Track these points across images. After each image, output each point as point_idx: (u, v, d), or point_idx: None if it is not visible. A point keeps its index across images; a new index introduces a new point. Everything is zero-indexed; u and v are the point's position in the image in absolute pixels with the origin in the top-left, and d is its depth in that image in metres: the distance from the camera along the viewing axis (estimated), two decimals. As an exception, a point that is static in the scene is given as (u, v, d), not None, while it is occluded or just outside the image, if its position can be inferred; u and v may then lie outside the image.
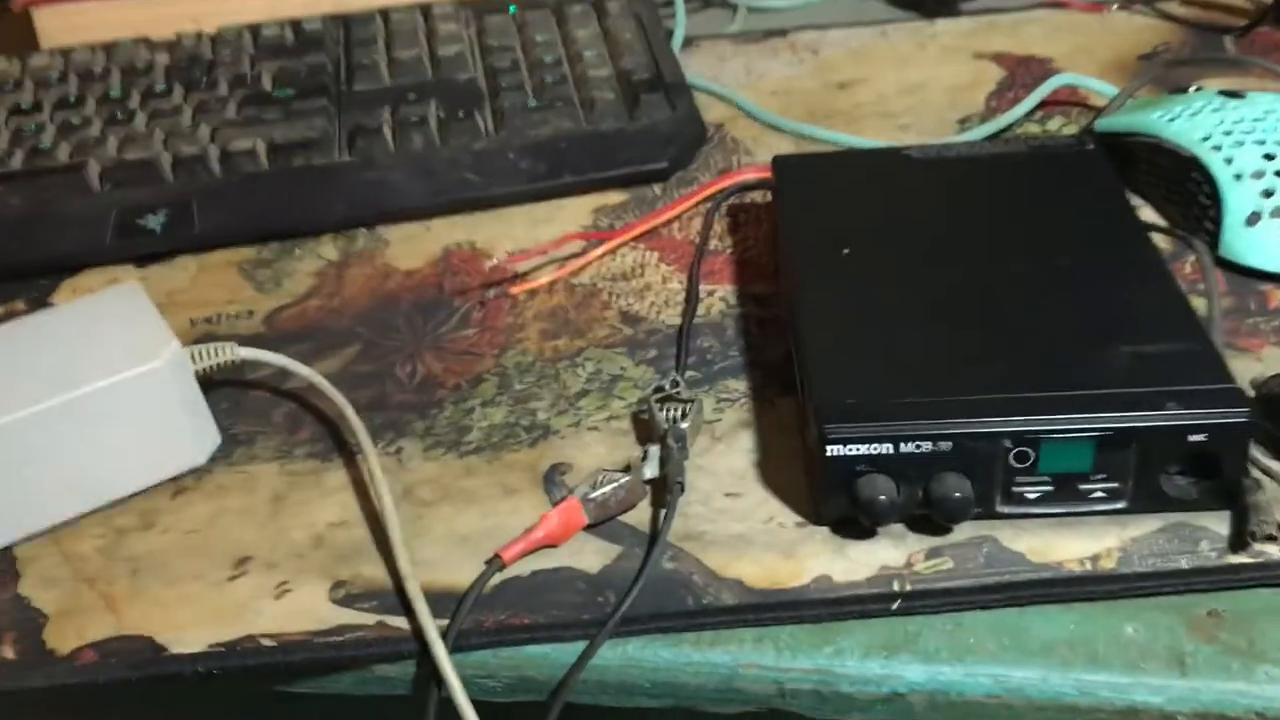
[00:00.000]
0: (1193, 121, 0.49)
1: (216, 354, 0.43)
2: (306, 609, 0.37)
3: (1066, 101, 0.59)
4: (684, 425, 0.40)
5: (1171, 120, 0.49)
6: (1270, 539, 0.36)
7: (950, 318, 0.40)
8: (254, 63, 0.62)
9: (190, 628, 0.37)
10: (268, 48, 0.63)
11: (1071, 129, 0.56)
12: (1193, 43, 0.62)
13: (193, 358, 0.42)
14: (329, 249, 0.54)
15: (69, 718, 0.43)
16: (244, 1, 0.69)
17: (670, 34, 0.66)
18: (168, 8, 0.69)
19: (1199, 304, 0.42)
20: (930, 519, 0.37)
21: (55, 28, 0.69)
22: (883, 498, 0.36)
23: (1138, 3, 0.67)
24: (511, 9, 0.65)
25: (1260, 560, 0.36)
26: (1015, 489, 0.37)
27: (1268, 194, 0.46)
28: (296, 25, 0.65)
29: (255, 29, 0.65)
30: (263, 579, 0.38)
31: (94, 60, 0.63)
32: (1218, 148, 0.47)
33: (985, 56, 0.63)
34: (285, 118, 0.58)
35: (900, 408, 0.37)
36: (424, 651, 0.36)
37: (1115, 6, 0.67)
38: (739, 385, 0.44)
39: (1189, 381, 0.36)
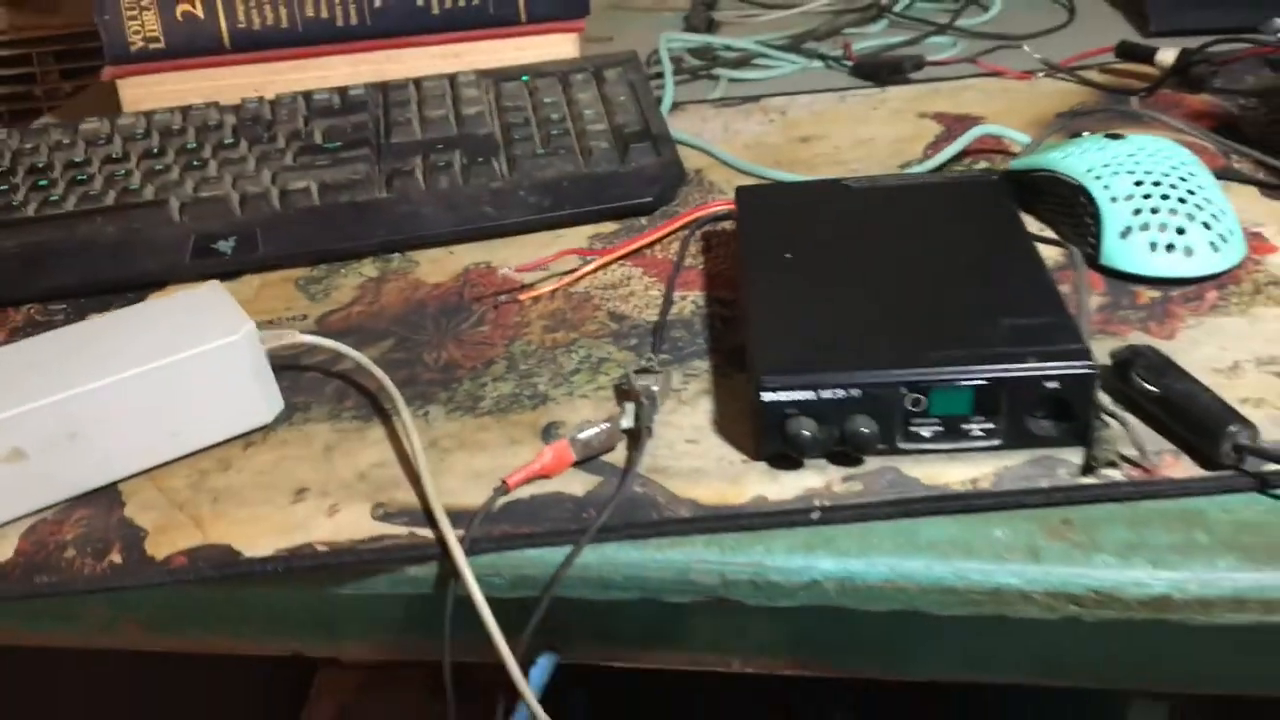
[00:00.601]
0: (1081, 158, 0.59)
1: (281, 337, 0.53)
2: (353, 524, 0.47)
3: (992, 149, 0.69)
4: (654, 387, 0.50)
5: (1065, 157, 0.60)
6: (1111, 465, 0.45)
7: (866, 301, 0.50)
8: (307, 122, 0.74)
9: (261, 539, 0.47)
10: (319, 110, 0.75)
11: (991, 170, 0.67)
12: (1104, 102, 0.73)
13: (263, 338, 0.53)
14: (369, 268, 0.65)
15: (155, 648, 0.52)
16: (299, 74, 0.81)
17: (660, 99, 0.78)
18: (233, 79, 0.81)
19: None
20: (846, 453, 0.47)
21: (137, 95, 0.81)
22: (806, 434, 0.46)
23: (1062, 71, 0.78)
24: (524, 78, 0.77)
25: (1104, 481, 0.45)
26: (912, 428, 0.47)
27: (1136, 212, 0.56)
28: (343, 92, 0.76)
29: (308, 95, 0.76)
30: (318, 503, 0.48)
31: (172, 120, 0.74)
32: (1099, 177, 0.57)
33: (927, 116, 0.74)
34: (334, 164, 0.69)
35: (821, 364, 0.46)
36: (445, 554, 0.45)
37: (1042, 74, 0.78)
38: (702, 364, 0.54)
39: (1048, 344, 0.46)
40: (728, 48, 0.87)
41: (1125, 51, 0.77)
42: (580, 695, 1.18)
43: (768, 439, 0.47)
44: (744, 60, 0.86)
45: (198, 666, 1.02)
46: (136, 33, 0.79)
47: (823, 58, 0.85)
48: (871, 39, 0.88)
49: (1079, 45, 0.81)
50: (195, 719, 1.15)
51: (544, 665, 0.49)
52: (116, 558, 0.47)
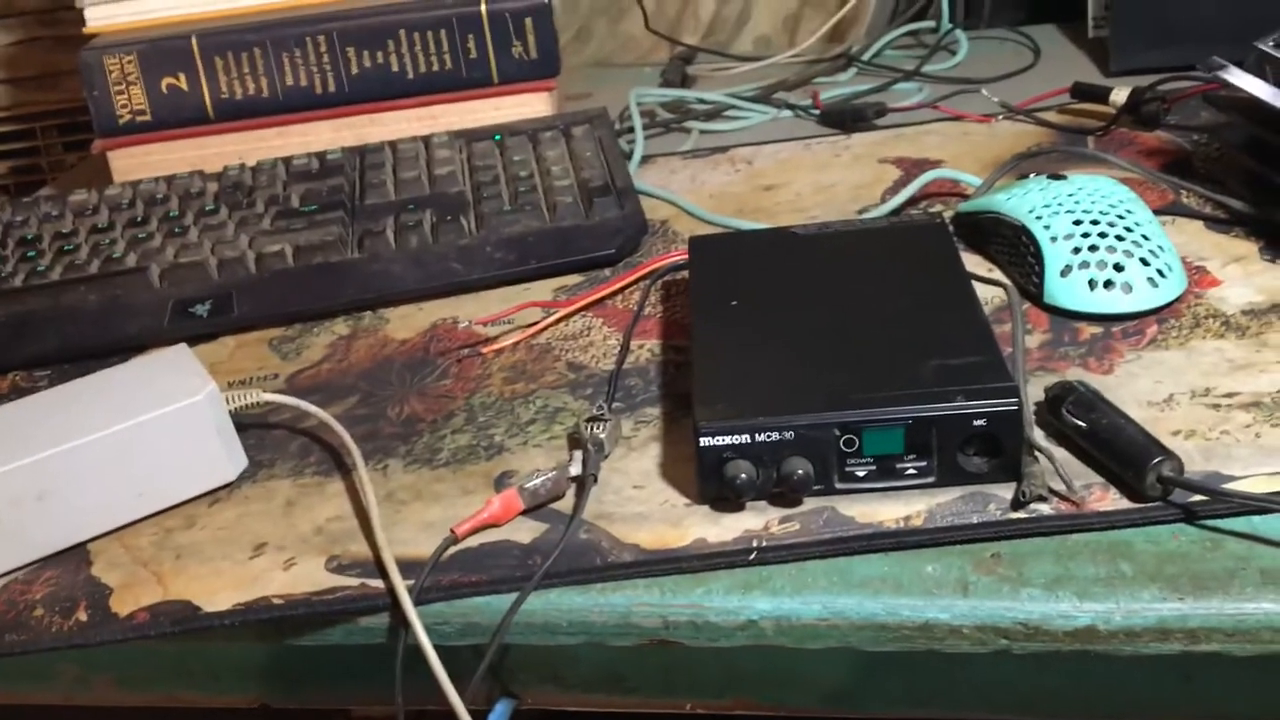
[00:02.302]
0: (1024, 199, 0.60)
1: (245, 396, 0.55)
2: (308, 576, 0.49)
3: (948, 193, 0.71)
4: (602, 435, 0.52)
5: (1009, 199, 0.61)
6: (1040, 499, 0.46)
7: (806, 346, 0.52)
8: (285, 186, 0.76)
9: (220, 593, 0.48)
10: (297, 174, 0.77)
11: (948, 213, 0.68)
12: (1059, 142, 0.75)
13: (227, 398, 0.55)
14: (341, 326, 0.67)
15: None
16: (283, 139, 0.84)
17: (627, 153, 0.80)
18: (219, 147, 0.84)
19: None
20: (784, 495, 0.48)
21: (127, 165, 0.84)
22: (744, 476, 0.47)
23: (1020, 113, 0.79)
24: (496, 137, 0.79)
25: (1033, 515, 0.46)
26: (847, 468, 0.48)
27: (1075, 250, 0.57)
28: (321, 156, 0.79)
29: (288, 160, 0.79)
30: (275, 557, 0.50)
31: (157, 189, 0.77)
32: (1039, 217, 0.59)
33: (888, 161, 0.76)
34: (309, 226, 0.71)
35: (756, 408, 0.48)
36: (395, 604, 0.47)
37: (1001, 117, 0.79)
38: (654, 411, 0.55)
39: (977, 382, 0.47)
40: (700, 100, 0.89)
41: (1081, 92, 0.79)
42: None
43: (708, 482, 0.48)
44: (716, 112, 0.88)
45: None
46: (124, 106, 0.82)
47: (792, 107, 0.87)
48: (840, 88, 0.89)
49: (1044, 87, 0.82)
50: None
51: (501, 711, 0.51)
52: (83, 615, 0.49)
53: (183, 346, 0.56)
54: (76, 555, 0.52)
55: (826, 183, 0.74)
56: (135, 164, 0.84)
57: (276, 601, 0.48)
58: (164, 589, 0.49)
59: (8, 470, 0.49)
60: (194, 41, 0.81)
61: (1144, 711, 0.46)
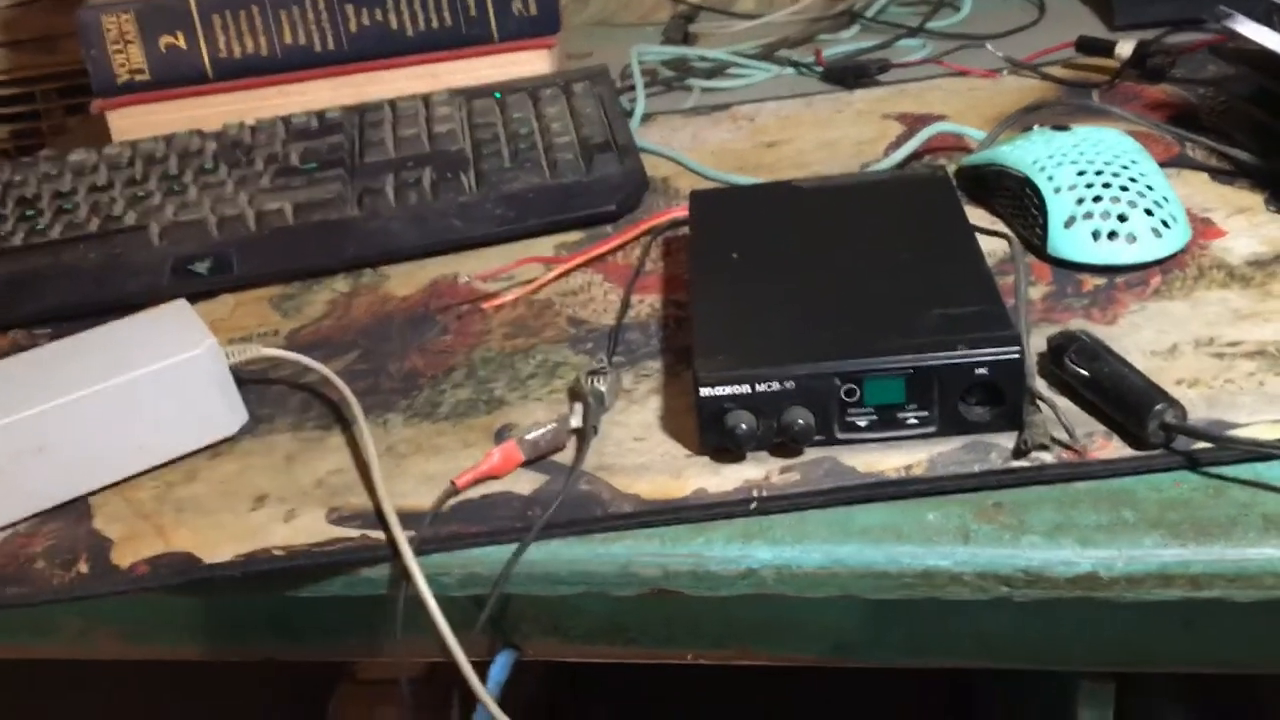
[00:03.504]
0: (1028, 150, 0.60)
1: (245, 351, 0.55)
2: (308, 528, 0.49)
3: (952, 147, 0.70)
4: (602, 388, 0.52)
5: (1013, 150, 0.61)
6: (1042, 448, 0.46)
7: (807, 298, 0.51)
8: (285, 144, 0.76)
9: (221, 545, 0.48)
10: (297, 132, 0.77)
11: (952, 167, 0.68)
12: (1064, 96, 0.74)
13: (226, 353, 0.54)
14: (341, 284, 0.66)
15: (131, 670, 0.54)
16: (282, 99, 0.83)
17: (629, 110, 0.79)
18: (218, 107, 0.83)
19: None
20: (785, 445, 0.48)
21: (126, 125, 0.83)
22: (744, 427, 0.47)
23: (1025, 68, 0.79)
24: (496, 94, 0.78)
25: (1035, 464, 0.46)
26: (848, 418, 0.48)
27: (1079, 202, 0.57)
28: (321, 115, 0.78)
29: (287, 119, 0.78)
30: (276, 509, 0.50)
31: (156, 148, 0.77)
32: (1043, 169, 0.58)
33: (891, 117, 0.75)
34: (308, 184, 0.71)
35: (757, 358, 0.48)
36: (395, 555, 0.47)
37: (1006, 71, 0.79)
38: (654, 364, 0.55)
39: (979, 331, 0.47)
40: (702, 58, 0.88)
41: (1085, 46, 0.78)
42: (602, 710, 1.20)
43: (708, 433, 0.48)
44: (718, 70, 0.87)
45: (214, 683, 1.05)
46: (122, 66, 0.82)
47: (794, 65, 0.86)
48: (843, 44, 0.89)
49: (1049, 42, 0.81)
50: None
51: (503, 661, 0.51)
52: (83, 567, 0.49)
53: (182, 302, 0.56)
54: (78, 508, 0.52)
55: (829, 139, 0.74)
56: (134, 124, 0.83)
57: (277, 553, 0.48)
58: (165, 541, 0.49)
59: (7, 423, 0.49)
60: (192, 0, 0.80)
61: (1146, 658, 0.46)
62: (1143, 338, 0.51)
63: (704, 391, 0.47)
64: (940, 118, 0.73)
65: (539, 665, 0.53)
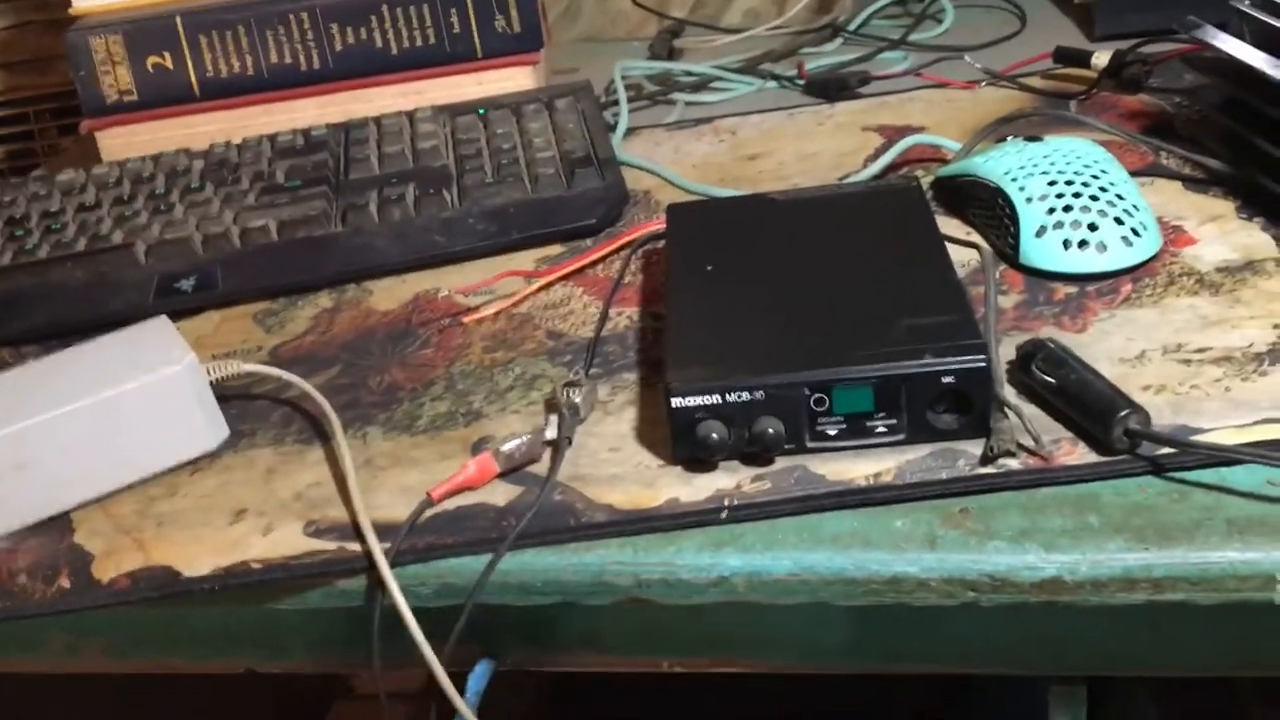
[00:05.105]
0: (1000, 161, 0.60)
1: (226, 367, 0.56)
2: (286, 541, 0.49)
3: (929, 159, 0.71)
4: (577, 399, 0.52)
5: (985, 161, 0.61)
6: (1009, 454, 0.46)
7: (779, 309, 0.52)
8: (270, 162, 0.76)
9: (200, 559, 0.49)
10: (282, 151, 0.78)
11: (928, 178, 0.69)
12: (1041, 107, 0.75)
13: (208, 369, 0.55)
14: (325, 299, 0.67)
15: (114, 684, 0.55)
16: (268, 117, 0.84)
17: (612, 125, 0.80)
18: (205, 126, 0.84)
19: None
20: (756, 454, 0.48)
21: (115, 145, 0.84)
22: (715, 436, 0.48)
23: (1003, 79, 0.79)
24: (480, 110, 0.79)
25: (1001, 470, 0.46)
26: (818, 427, 0.48)
27: (1050, 211, 0.57)
28: (306, 133, 0.79)
29: (274, 137, 0.79)
30: (254, 523, 0.50)
31: (143, 167, 0.77)
32: (1015, 179, 0.59)
33: (870, 129, 0.76)
34: (292, 202, 0.72)
35: (727, 369, 0.48)
36: (371, 566, 0.47)
37: (985, 83, 0.79)
38: (630, 376, 0.56)
39: (946, 340, 0.48)
40: (686, 73, 0.89)
41: (1063, 56, 0.79)
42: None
43: (680, 443, 0.49)
44: (701, 84, 0.88)
45: (211, 699, 1.05)
46: (111, 86, 0.83)
47: (777, 78, 0.87)
48: (826, 58, 0.89)
49: (1028, 53, 0.82)
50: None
51: (481, 671, 0.51)
52: (65, 582, 0.49)
53: (163, 318, 0.57)
54: (59, 524, 0.52)
55: (809, 151, 0.75)
56: (123, 144, 0.84)
57: (255, 566, 0.48)
58: (145, 555, 0.50)
59: (-12, 440, 0.50)
60: (179, 20, 0.81)
61: (1112, 662, 0.47)
62: (1112, 345, 0.52)
63: (675, 402, 0.48)
64: (919, 129, 0.74)
65: (528, 684, 0.53)
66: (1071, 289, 0.56)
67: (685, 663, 0.50)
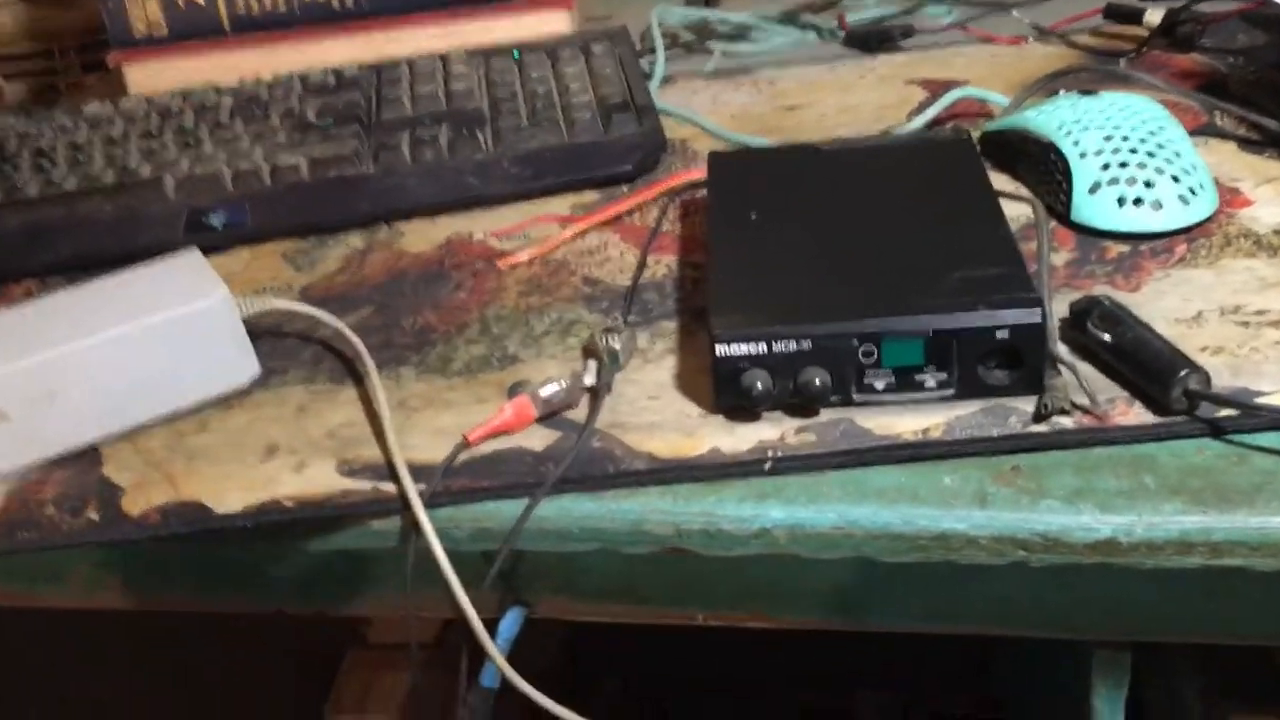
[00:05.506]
0: (1053, 115, 0.59)
1: (257, 303, 0.55)
2: (319, 480, 0.48)
3: (975, 113, 0.69)
4: (616, 346, 0.51)
5: (1038, 115, 0.60)
6: (1062, 412, 0.45)
7: (826, 258, 0.51)
8: (301, 100, 0.75)
9: (231, 495, 0.48)
10: (314, 89, 0.76)
11: (974, 133, 0.67)
12: (1091, 64, 0.73)
13: (239, 304, 0.54)
14: (356, 240, 0.66)
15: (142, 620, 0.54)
16: (299, 55, 0.82)
17: (648, 73, 0.78)
18: (234, 62, 0.82)
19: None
20: (801, 405, 0.47)
21: (142, 79, 0.83)
22: (760, 386, 0.46)
23: (1051, 35, 0.77)
24: (515, 54, 0.78)
25: (1054, 429, 0.45)
26: (865, 380, 0.47)
27: (1105, 167, 0.56)
28: (338, 72, 0.78)
29: (304, 76, 0.78)
30: (286, 460, 0.49)
31: (172, 102, 0.76)
32: (1069, 133, 0.57)
33: (914, 82, 0.74)
34: (324, 140, 0.70)
35: (774, 317, 0.47)
36: (406, 508, 0.47)
37: (1031, 39, 0.78)
38: (670, 325, 0.55)
39: (1000, 293, 0.46)
40: (723, 21, 0.87)
41: (1113, 13, 0.77)
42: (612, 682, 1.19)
43: (723, 392, 0.48)
44: (739, 33, 0.86)
45: (229, 644, 1.05)
46: (140, 20, 0.81)
47: (817, 29, 0.85)
48: (867, 9, 0.87)
49: (1076, 9, 0.80)
50: (228, 695, 1.18)
51: (513, 618, 0.50)
52: (93, 514, 0.49)
53: (194, 250, 0.56)
54: (88, 456, 0.51)
55: (850, 103, 0.73)
56: (150, 78, 0.83)
57: (288, 504, 0.47)
58: (175, 490, 0.49)
59: (19, 368, 0.49)
60: (210, -47, 0.80)
61: (1163, 627, 0.46)
62: (1167, 305, 0.51)
63: (720, 350, 0.47)
64: (964, 83, 0.72)
65: (551, 641, 0.52)
66: (1124, 248, 0.55)
67: (720, 616, 0.50)
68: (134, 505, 0.49)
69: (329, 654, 1.24)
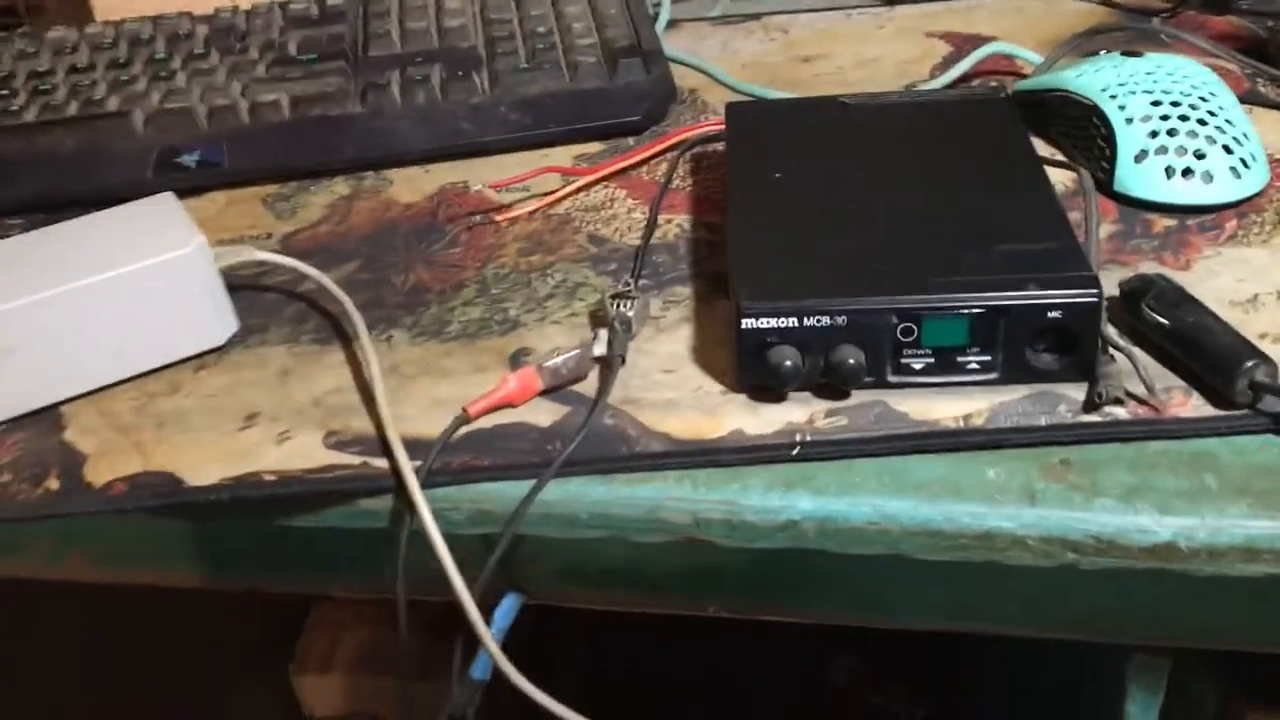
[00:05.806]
0: (1095, 76, 0.55)
1: (237, 254, 0.50)
2: (303, 452, 0.44)
3: (1004, 71, 0.65)
4: (630, 313, 0.47)
5: (1079, 76, 0.56)
6: (1116, 402, 0.42)
7: (858, 225, 0.47)
8: (282, 32, 0.70)
9: (206, 466, 0.44)
10: (295, 20, 0.71)
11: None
12: (1123, 21, 0.69)
13: (216, 255, 0.49)
14: (341, 186, 0.61)
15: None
16: (277, -16, 0.77)
17: (653, 14, 0.74)
18: (208, -11, 0.77)
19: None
20: (831, 385, 0.44)
21: (108, 5, 0.77)
22: (789, 364, 0.43)
23: (1081, -10, 0.73)
24: (512, -11, 0.73)
25: (1108, 420, 0.42)
26: (903, 360, 0.43)
27: (1153, 135, 0.52)
28: (321, 2, 0.72)
29: (285, 4, 0.72)
30: (268, 429, 0.45)
31: (142, 29, 0.71)
32: (1114, 96, 0.54)
33: (935, 35, 0.70)
34: (306, 76, 0.65)
35: (804, 290, 0.43)
36: (400, 486, 0.43)
37: (1060, -7, 0.73)
38: (684, 290, 0.51)
39: (1052, 271, 0.43)
40: (730, -36, 0.82)
41: (1149, -31, 0.73)
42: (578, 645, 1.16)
43: (748, 369, 0.44)
44: (747, -23, 0.82)
45: (192, 597, 1.01)
46: (107, -63, 0.75)
47: (830, -26, 0.80)
48: (882, -44, 0.83)
49: (1102, -36, 0.76)
50: (192, 649, 1.14)
51: (509, 605, 0.47)
52: (54, 483, 0.44)
53: (169, 195, 0.51)
54: (48, 418, 0.47)
55: (869, 56, 0.69)
56: (119, 2, 0.77)
57: (269, 478, 0.43)
58: (144, 459, 0.45)
59: (-29, 322, 0.45)
60: None
61: (1209, 635, 0.43)
62: (1220, 285, 0.47)
63: (746, 323, 0.43)
64: (989, 39, 0.68)
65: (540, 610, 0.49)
66: (1170, 221, 0.51)
67: (735, 609, 0.46)
68: (98, 475, 0.44)
69: (296, 607, 1.21)
